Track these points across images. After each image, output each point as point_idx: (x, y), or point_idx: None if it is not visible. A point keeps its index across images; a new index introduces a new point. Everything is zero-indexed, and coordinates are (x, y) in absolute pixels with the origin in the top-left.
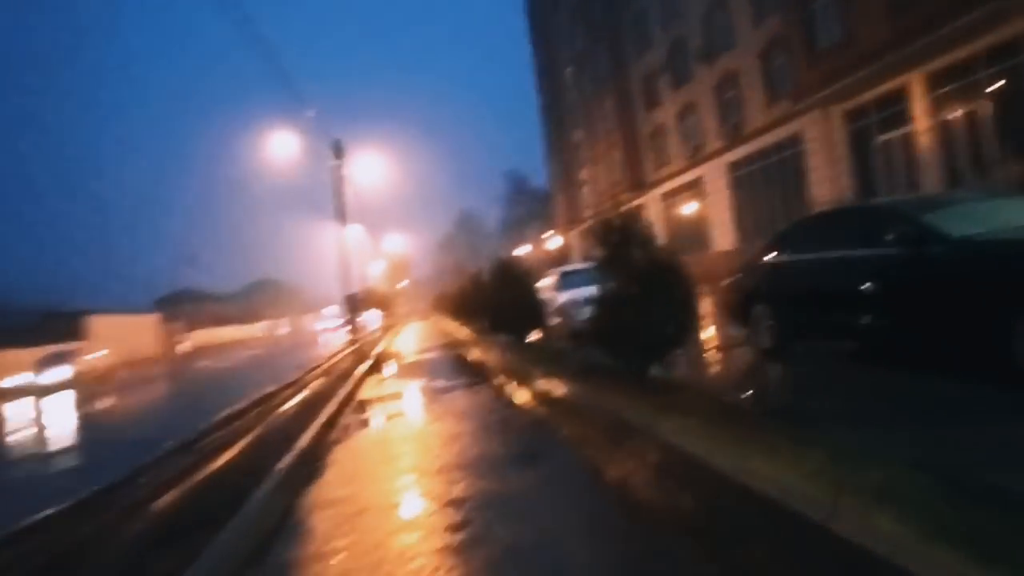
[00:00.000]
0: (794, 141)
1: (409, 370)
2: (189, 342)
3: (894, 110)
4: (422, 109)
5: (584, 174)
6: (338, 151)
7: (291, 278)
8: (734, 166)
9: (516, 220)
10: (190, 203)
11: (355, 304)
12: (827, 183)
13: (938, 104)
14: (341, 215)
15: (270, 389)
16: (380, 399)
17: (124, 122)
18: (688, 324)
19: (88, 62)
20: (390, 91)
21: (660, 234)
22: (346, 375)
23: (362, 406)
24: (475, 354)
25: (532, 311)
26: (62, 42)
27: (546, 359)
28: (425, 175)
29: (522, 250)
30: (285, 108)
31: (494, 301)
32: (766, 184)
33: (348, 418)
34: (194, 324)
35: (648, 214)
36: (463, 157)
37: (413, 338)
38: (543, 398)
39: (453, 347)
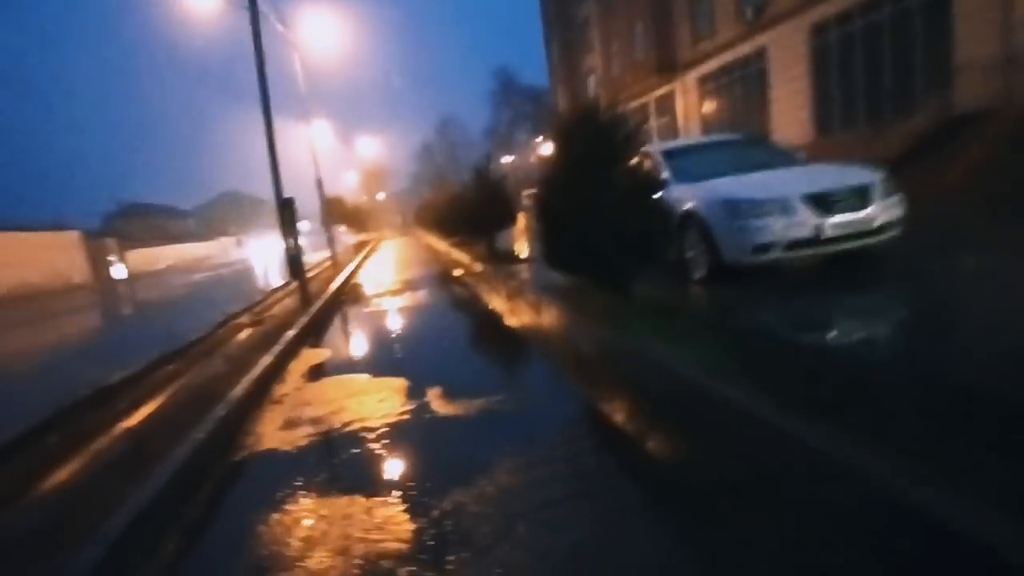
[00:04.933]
0: None
1: (385, 336)
2: (123, 265)
3: None
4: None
5: (592, 60)
6: None
7: (260, 191)
8: (818, 28)
9: (504, 123)
10: (140, 104)
11: (291, 213)
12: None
13: None
14: (261, 72)
15: (126, 373)
16: (307, 453)
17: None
18: None
19: None
20: None
21: (695, 128)
22: (276, 333)
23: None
24: (504, 308)
25: (653, 230)
26: None
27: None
28: (400, 73)
29: (509, 159)
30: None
31: (555, 210)
32: (870, 48)
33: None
34: (140, 242)
35: (679, 105)
36: (445, 54)
37: (391, 264)
38: None
39: (453, 280)
